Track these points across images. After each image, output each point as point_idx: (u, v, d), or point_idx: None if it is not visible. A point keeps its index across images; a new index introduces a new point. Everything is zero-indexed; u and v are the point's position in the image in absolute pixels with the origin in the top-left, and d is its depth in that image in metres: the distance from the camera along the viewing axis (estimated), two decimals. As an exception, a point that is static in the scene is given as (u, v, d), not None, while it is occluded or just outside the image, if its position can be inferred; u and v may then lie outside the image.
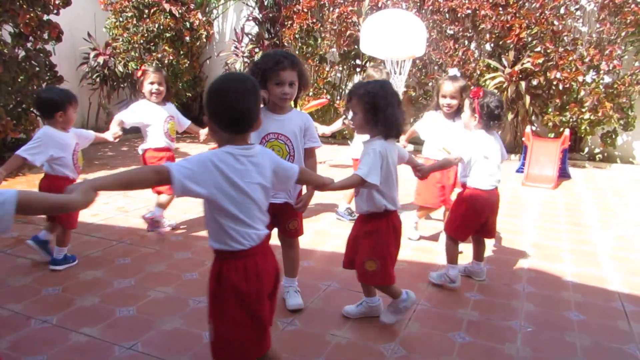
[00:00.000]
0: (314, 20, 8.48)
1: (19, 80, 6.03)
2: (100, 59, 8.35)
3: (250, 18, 9.48)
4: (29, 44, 6.14)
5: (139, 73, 4.07)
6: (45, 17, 6.16)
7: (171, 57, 8.42)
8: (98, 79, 8.53)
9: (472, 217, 3.16)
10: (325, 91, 8.51)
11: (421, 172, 2.93)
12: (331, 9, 8.40)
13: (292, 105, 2.86)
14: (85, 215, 3.54)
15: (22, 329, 2.63)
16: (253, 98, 1.85)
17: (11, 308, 2.84)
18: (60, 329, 2.63)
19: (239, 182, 1.78)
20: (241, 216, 1.80)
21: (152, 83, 4.00)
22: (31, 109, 6.36)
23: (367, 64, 8.46)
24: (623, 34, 7.17)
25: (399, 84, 6.70)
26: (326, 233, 4.20)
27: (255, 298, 1.81)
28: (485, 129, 3.10)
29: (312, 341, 2.58)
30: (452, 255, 3.23)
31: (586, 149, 8.03)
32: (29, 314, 2.75)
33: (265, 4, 9.20)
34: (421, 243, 4.09)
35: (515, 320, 2.85)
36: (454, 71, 3.85)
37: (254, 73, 2.67)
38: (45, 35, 6.21)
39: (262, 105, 2.77)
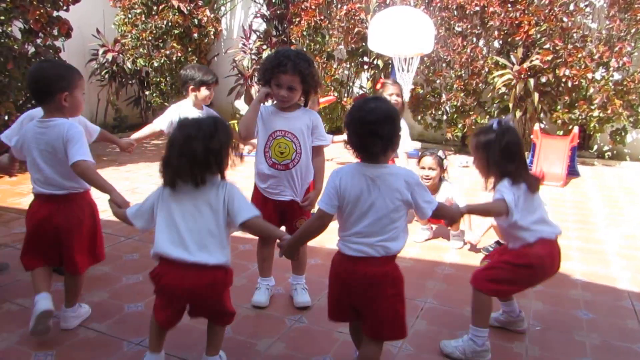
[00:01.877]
0: (322, 17, 8.46)
1: (29, 76, 6.06)
2: (109, 56, 8.37)
3: (258, 15, 9.48)
4: (38, 40, 6.16)
5: (379, 85, 4.42)
6: (54, 14, 6.16)
7: (179, 54, 8.42)
8: (107, 76, 8.56)
9: (331, 291, 2.18)
10: (332, 88, 8.49)
11: (283, 250, 2.21)
12: (339, 5, 8.38)
13: (301, 104, 2.85)
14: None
15: (32, 324, 2.65)
16: (46, 76, 2.41)
17: (21, 303, 2.87)
18: (69, 324, 2.65)
19: (26, 142, 2.45)
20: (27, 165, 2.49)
21: (390, 95, 4.21)
22: (40, 105, 6.39)
23: (375, 62, 8.45)
24: (633, 30, 7.10)
25: (406, 81, 6.69)
26: (333, 230, 4.18)
27: None
28: (364, 159, 2.05)
29: (320, 338, 2.58)
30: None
31: (595, 147, 7.97)
32: (39, 309, 2.77)
33: (273, 1, 9.19)
34: (429, 241, 4.09)
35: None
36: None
37: (261, 73, 2.72)
38: (55, 32, 6.22)
39: (268, 102, 2.79)
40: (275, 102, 2.77)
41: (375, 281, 2.01)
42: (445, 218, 2.30)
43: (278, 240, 2.24)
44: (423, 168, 3.90)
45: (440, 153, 3.93)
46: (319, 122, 2.82)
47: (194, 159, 2.02)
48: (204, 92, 3.73)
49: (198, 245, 2.05)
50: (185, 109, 3.81)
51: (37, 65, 2.57)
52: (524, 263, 2.42)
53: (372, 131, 1.94)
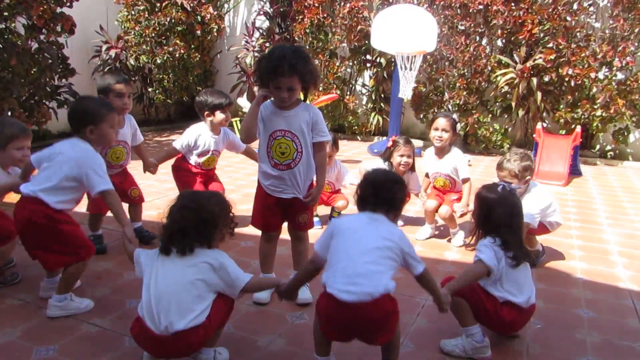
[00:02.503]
0: (325, 15, 8.47)
1: (32, 72, 6.06)
2: (112, 52, 8.38)
3: (261, 12, 9.48)
4: (42, 37, 6.18)
5: (390, 143, 4.14)
6: (58, 10, 6.18)
7: (182, 51, 8.44)
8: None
9: (325, 330, 2.14)
10: (335, 86, 8.49)
11: (282, 295, 2.37)
12: (342, 3, 8.38)
13: (301, 99, 2.82)
14: (96, 207, 3.66)
15: (34, 318, 2.66)
16: (76, 110, 2.77)
17: (23, 298, 2.88)
18: (71, 319, 2.65)
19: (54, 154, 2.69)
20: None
21: (401, 155, 4.04)
22: (44, 101, 6.40)
23: (378, 60, 8.44)
24: (637, 30, 7.09)
25: (409, 80, 6.68)
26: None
27: None
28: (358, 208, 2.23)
29: (321, 335, 2.58)
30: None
31: (598, 146, 7.97)
32: (41, 304, 2.78)
33: (276, -2, 9.20)
34: (430, 239, 4.09)
35: (524, 317, 2.84)
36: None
37: (258, 76, 2.70)
38: (58, 28, 6.24)
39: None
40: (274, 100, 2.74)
41: (386, 317, 2.03)
42: (431, 291, 2.25)
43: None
44: (436, 129, 3.87)
45: (454, 116, 3.92)
46: (319, 118, 2.78)
47: (185, 227, 2.14)
48: (219, 115, 3.86)
49: (175, 310, 2.06)
50: (202, 132, 3.89)
51: (75, 100, 3.09)
52: (488, 309, 2.43)
53: (385, 199, 2.15)
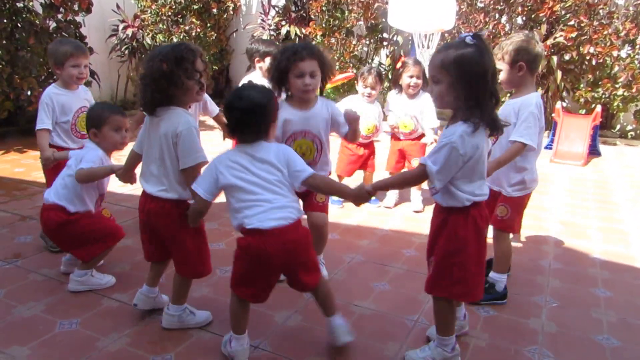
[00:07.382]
0: (342, -8, 8.38)
1: (51, 51, 6.11)
2: (129, 31, 8.38)
3: (277, -10, 9.41)
4: (59, 15, 6.20)
5: (399, 64, 4.12)
6: (75, -11, 6.21)
7: (198, 30, 8.43)
8: (127, 51, 8.59)
9: (247, 273, 2.13)
10: (351, 65, 8.43)
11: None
12: (359, -20, 8.27)
13: (317, 94, 2.73)
14: (114, 186, 3.65)
15: (57, 293, 2.73)
16: (92, 111, 2.87)
17: (45, 273, 2.95)
18: (92, 294, 2.72)
19: None
20: None
21: (411, 77, 4.01)
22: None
23: (395, 38, 8.35)
24: (662, 7, 6.92)
25: (426, 58, 6.61)
26: (352, 206, 4.21)
27: None
28: (241, 142, 2.19)
29: (337, 311, 2.61)
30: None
31: (618, 126, 7.84)
32: (63, 280, 2.85)
33: (293, -25, 9.11)
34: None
35: (540, 296, 2.84)
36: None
37: (275, 69, 2.60)
38: (76, 7, 6.26)
39: (282, 98, 2.69)
40: (291, 97, 2.66)
41: (305, 242, 2.15)
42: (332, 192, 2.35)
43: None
44: None
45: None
46: (337, 110, 2.72)
47: (144, 79, 2.19)
48: (269, 62, 3.82)
49: (152, 175, 2.28)
50: (253, 79, 3.89)
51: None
52: (457, 248, 2.04)
53: (241, 118, 2.08)
